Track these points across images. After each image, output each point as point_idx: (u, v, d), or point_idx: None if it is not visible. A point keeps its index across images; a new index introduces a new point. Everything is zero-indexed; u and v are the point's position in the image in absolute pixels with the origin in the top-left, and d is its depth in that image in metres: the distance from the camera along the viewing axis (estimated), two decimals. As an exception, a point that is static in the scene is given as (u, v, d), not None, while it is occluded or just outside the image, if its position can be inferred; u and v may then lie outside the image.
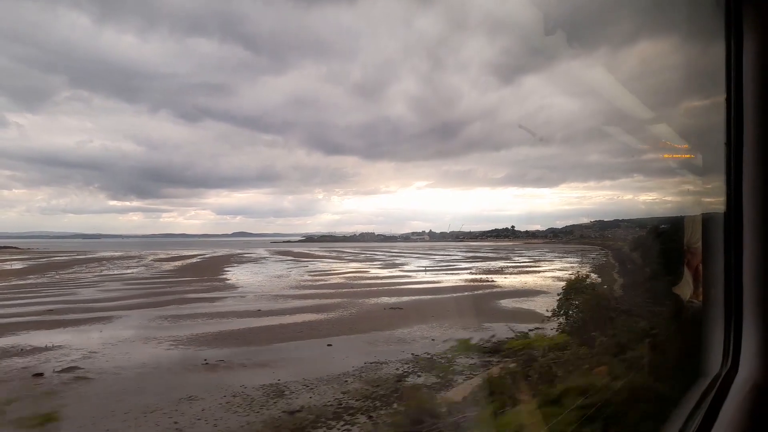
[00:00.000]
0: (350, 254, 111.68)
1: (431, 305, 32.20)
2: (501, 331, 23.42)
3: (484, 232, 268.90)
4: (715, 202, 3.16)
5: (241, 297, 36.53)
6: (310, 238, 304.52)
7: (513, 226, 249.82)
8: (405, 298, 35.23)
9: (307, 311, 29.43)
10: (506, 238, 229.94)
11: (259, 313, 28.57)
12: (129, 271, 63.64)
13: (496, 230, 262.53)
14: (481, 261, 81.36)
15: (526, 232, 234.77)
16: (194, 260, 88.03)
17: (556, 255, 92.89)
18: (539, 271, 58.77)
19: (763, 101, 2.40)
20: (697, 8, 3.55)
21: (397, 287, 42.57)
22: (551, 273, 55.38)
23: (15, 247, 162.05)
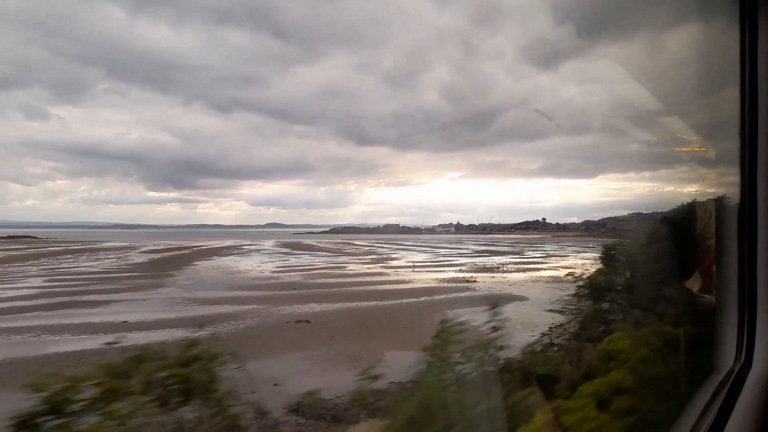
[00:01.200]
0: (353, 247, 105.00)
1: (355, 316, 24.85)
2: (401, 368, 15.91)
3: (513, 224, 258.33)
4: (731, 194, 3.14)
5: (144, 301, 30.10)
6: (333, 230, 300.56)
7: (544, 219, 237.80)
8: (336, 306, 27.95)
9: (186, 325, 22.54)
10: (535, 231, 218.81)
11: (113, 327, 21.91)
12: (90, 263, 58.77)
13: (526, 222, 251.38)
14: (487, 256, 73.04)
15: (557, 224, 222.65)
16: (181, 252, 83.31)
17: (577, 249, 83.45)
18: (541, 269, 50.36)
19: None
20: None
21: (351, 289, 35.36)
22: (553, 271, 47.03)
23: (33, 237, 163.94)
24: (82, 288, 35.52)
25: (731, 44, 2.69)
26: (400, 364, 16.49)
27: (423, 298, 31.07)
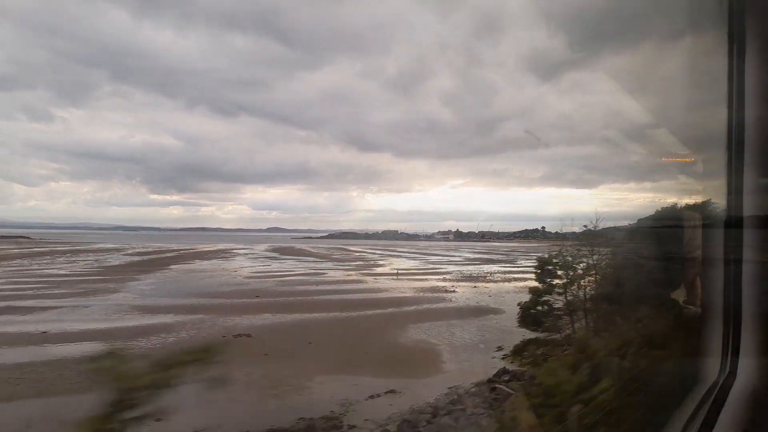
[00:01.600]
0: (344, 252, 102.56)
1: (305, 329, 22.39)
2: (315, 400, 13.52)
3: (512, 233, 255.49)
4: (719, 206, 3.15)
5: (85, 308, 27.71)
6: (332, 235, 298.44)
7: (543, 227, 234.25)
8: (290, 317, 25.57)
9: (110, 338, 20.22)
10: (534, 240, 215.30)
11: (26, 339, 19.58)
12: (63, 265, 56.49)
13: (525, 231, 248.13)
14: (478, 264, 70.53)
15: (557, 233, 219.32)
16: (164, 255, 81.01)
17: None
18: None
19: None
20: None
21: (317, 298, 32.94)
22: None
23: (27, 237, 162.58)
24: (29, 292, 33.20)
25: (722, 61, 2.71)
26: (317, 394, 14.07)
27: (389, 310, 28.57)
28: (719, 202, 2.93)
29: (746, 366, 2.56)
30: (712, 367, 2.91)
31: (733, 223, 2.65)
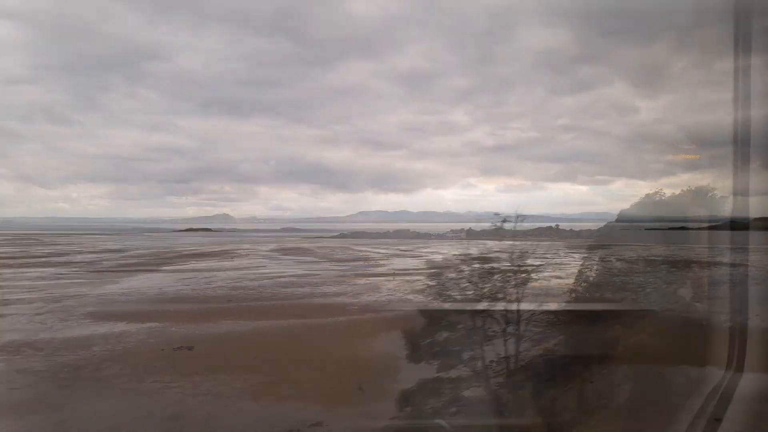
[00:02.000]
0: (347, 252, 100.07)
1: (257, 341, 19.92)
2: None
3: (526, 230, 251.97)
4: (726, 203, 3.42)
5: (36, 315, 25.74)
6: (343, 235, 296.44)
7: (557, 225, 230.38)
8: (253, 324, 23.28)
9: (29, 350, 18.06)
10: (548, 237, 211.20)
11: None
12: (48, 268, 54.99)
13: (539, 229, 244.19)
14: (480, 263, 67.34)
15: (571, 230, 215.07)
16: (160, 257, 79.31)
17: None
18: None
19: None
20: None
21: (296, 302, 30.67)
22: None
23: (38, 239, 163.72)
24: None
25: (728, 59, 2.87)
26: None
27: (367, 315, 26.07)
28: (728, 198, 3.30)
29: (753, 363, 2.60)
30: (720, 364, 2.95)
31: (740, 218, 3.00)
